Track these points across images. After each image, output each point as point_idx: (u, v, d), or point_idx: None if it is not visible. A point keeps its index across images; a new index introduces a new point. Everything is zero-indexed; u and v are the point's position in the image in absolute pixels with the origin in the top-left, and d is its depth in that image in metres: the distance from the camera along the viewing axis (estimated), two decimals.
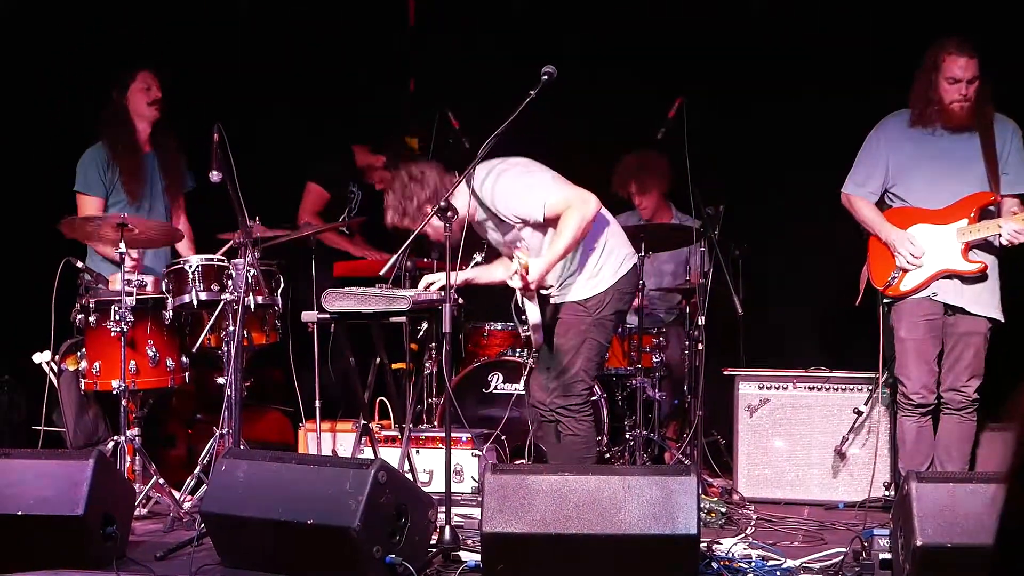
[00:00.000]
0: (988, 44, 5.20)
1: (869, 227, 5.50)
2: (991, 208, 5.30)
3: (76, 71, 6.71)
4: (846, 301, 5.95)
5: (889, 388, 5.77)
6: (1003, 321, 5.35)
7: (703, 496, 5.40)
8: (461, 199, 4.96)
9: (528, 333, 5.07)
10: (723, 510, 5.47)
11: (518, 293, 5.03)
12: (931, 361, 5.38)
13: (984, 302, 5.32)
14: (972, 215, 5.28)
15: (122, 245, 5.42)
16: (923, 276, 5.35)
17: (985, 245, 5.31)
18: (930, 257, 5.33)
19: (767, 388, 6.19)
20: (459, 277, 5.17)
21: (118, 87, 6.14)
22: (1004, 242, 5.20)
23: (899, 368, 5.46)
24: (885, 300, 5.48)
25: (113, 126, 6.13)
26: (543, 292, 5.06)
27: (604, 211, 5.18)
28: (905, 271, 5.36)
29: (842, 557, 4.57)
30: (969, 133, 5.31)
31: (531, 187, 4.99)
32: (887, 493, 5.79)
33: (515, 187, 4.99)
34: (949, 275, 5.32)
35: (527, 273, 4.74)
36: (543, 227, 5.01)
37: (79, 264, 5.72)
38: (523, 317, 5.05)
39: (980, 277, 5.31)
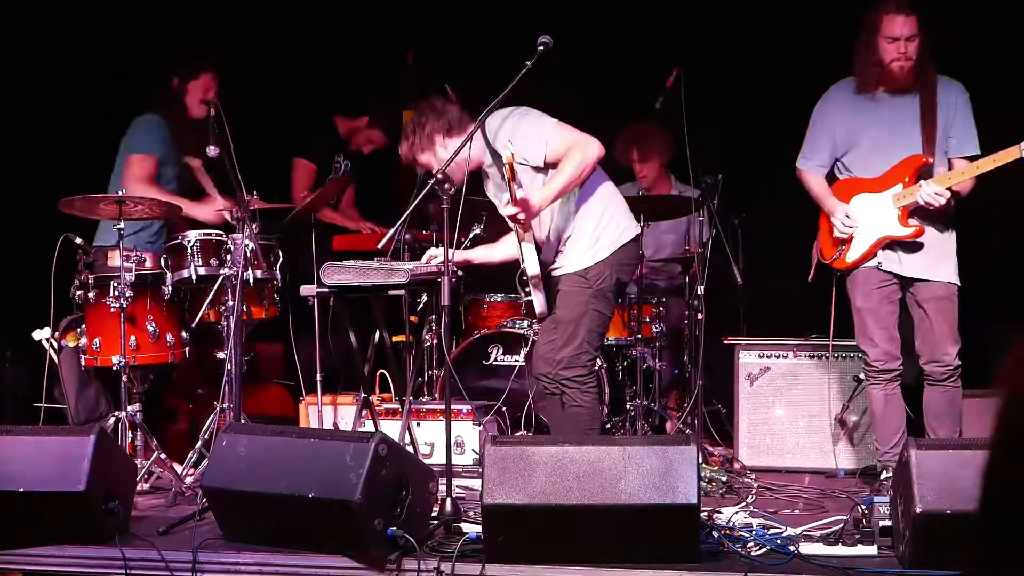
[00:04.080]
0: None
1: (817, 201, 5.48)
2: (924, 171, 5.21)
3: (74, 51, 6.70)
4: None
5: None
6: (959, 285, 5.26)
7: (704, 465, 5.43)
8: (473, 144, 4.94)
9: (531, 298, 5.08)
10: (724, 479, 5.48)
11: (519, 252, 5.00)
12: (890, 327, 5.33)
13: (936, 268, 5.24)
14: (907, 180, 5.21)
15: (121, 222, 5.43)
16: (865, 246, 5.30)
17: (940, 212, 5.20)
18: (871, 226, 5.28)
19: (767, 357, 6.21)
20: (458, 256, 5.18)
21: (183, 74, 6.23)
22: (922, 203, 5.11)
23: (859, 337, 5.41)
24: (837, 273, 5.45)
25: (173, 107, 6.22)
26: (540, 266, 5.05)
27: (609, 182, 5.20)
28: (849, 243, 5.33)
29: (842, 525, 4.57)
30: (910, 96, 5.25)
31: (536, 128, 5.01)
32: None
33: (520, 127, 5.01)
34: (891, 242, 5.27)
35: (513, 173, 4.66)
36: (543, 172, 5.01)
37: (78, 240, 5.72)
38: (524, 278, 5.04)
39: (933, 245, 5.22)
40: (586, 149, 4.95)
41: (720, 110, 6.86)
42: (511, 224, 5.00)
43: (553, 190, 4.92)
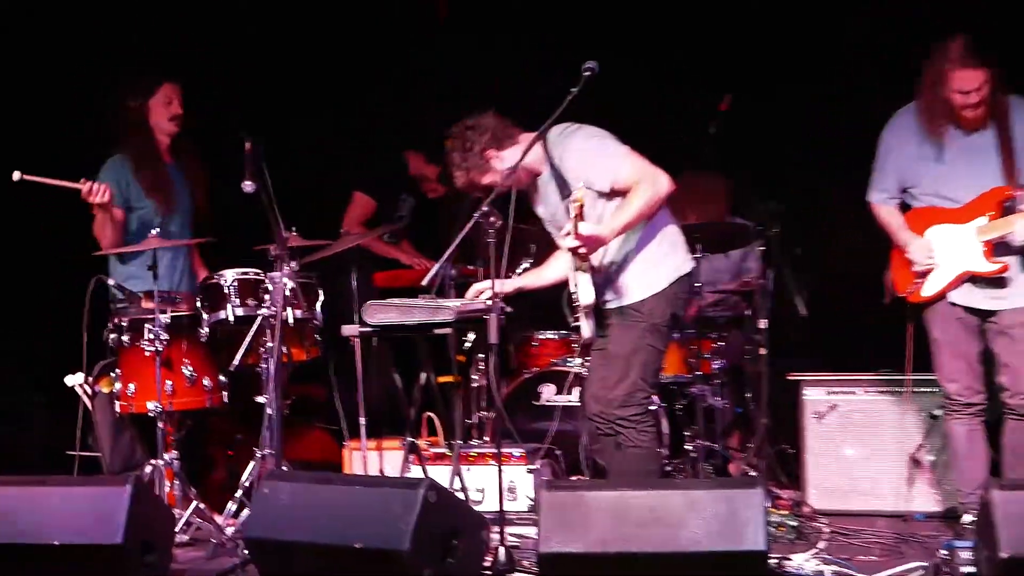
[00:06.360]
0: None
1: (888, 234, 5.45)
2: (1008, 204, 5.16)
3: (106, 82, 6.77)
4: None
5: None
6: None
7: (771, 509, 5.42)
8: (522, 154, 4.94)
9: (579, 323, 5.03)
10: (793, 524, 5.45)
11: (571, 278, 5.01)
12: (971, 360, 5.29)
13: (1016, 295, 5.19)
14: (992, 212, 5.16)
15: (154, 261, 5.54)
16: (945, 280, 5.26)
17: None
18: (951, 259, 5.25)
19: (835, 393, 6.15)
20: (509, 285, 5.19)
21: (139, 96, 6.18)
22: (1020, 242, 5.07)
23: (937, 371, 5.38)
24: (910, 305, 5.41)
25: (133, 136, 6.18)
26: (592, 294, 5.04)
27: (669, 214, 5.17)
28: (925, 276, 5.30)
29: (922, 572, 4.54)
30: (983, 130, 5.22)
31: (603, 152, 5.00)
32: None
33: (587, 147, 5.00)
34: (972, 278, 5.22)
35: (581, 212, 4.66)
36: (607, 197, 5.00)
37: (110, 282, 5.77)
38: (574, 304, 5.01)
39: (1010, 273, 5.18)
40: (656, 184, 4.93)
41: (780, 132, 6.87)
42: (569, 253, 4.98)
43: (619, 225, 4.91)
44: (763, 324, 5.99)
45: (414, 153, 7.29)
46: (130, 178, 6.11)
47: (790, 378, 6.26)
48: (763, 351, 6.02)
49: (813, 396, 6.19)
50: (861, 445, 6.12)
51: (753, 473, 6.08)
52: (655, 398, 5.91)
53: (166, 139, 6.25)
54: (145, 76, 6.25)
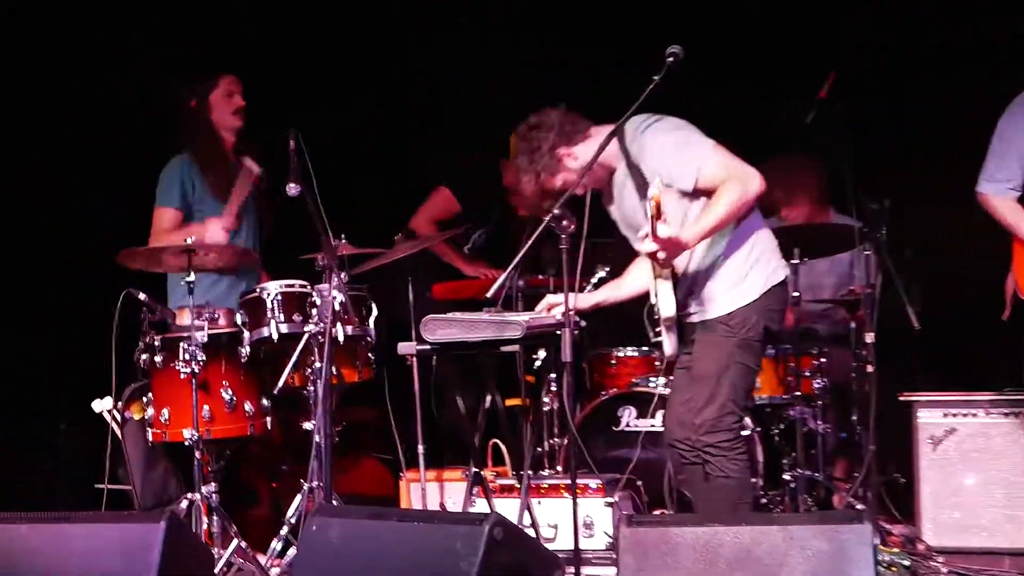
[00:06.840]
0: None
1: (1008, 228, 5.39)
2: None
3: (138, 95, 6.88)
4: None
5: None
6: None
7: (881, 547, 5.29)
8: (594, 149, 4.87)
9: (660, 338, 4.95)
10: (906, 563, 5.33)
11: (651, 288, 4.90)
12: None
13: None
14: None
15: (191, 274, 5.49)
16: None
17: None
18: None
19: (953, 415, 6.04)
20: (584, 301, 5.13)
21: (197, 94, 6.29)
22: None
23: None
24: None
25: (196, 136, 6.28)
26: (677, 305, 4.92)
27: (759, 216, 5.09)
28: None
29: None
30: None
31: (687, 147, 4.91)
32: None
33: (669, 142, 4.92)
34: None
35: (659, 213, 4.51)
36: (690, 197, 4.89)
37: (141, 296, 5.75)
38: (656, 316, 4.93)
39: None
40: (746, 182, 4.83)
41: (887, 121, 6.84)
42: (648, 259, 4.87)
43: (705, 228, 4.80)
44: (870, 338, 5.90)
45: (508, 162, 7.26)
46: (196, 179, 6.21)
47: (902, 399, 6.16)
48: (871, 369, 5.92)
49: (928, 419, 6.09)
50: (983, 474, 6.01)
51: (860, 506, 5.96)
52: (748, 421, 5.99)
53: (230, 136, 6.35)
54: (201, 71, 6.35)
